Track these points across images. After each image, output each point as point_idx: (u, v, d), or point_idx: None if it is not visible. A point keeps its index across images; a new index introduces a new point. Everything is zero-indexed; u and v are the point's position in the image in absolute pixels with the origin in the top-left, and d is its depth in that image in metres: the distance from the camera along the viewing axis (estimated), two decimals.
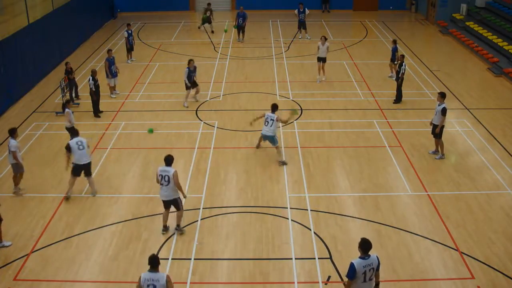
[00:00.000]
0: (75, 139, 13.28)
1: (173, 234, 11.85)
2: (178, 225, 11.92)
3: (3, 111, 18.90)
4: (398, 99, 19.15)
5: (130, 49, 24.33)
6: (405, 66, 18.78)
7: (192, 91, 19.27)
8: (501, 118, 18.07)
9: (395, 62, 21.18)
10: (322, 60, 21.39)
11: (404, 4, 35.69)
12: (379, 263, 8.52)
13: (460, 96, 20.05)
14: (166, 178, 11.35)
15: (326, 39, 21.39)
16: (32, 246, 11.58)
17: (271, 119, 14.67)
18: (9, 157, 13.41)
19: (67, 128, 15.58)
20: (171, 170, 11.34)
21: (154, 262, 8.53)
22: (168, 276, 8.52)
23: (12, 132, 13.43)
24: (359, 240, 8.55)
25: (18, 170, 13.50)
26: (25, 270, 10.85)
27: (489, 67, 23.12)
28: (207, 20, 29.28)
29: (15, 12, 20.85)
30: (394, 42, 21.69)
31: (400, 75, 18.72)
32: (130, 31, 23.98)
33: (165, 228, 11.96)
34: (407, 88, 20.60)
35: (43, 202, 13.28)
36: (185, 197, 11.96)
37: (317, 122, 17.67)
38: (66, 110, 15.57)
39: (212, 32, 29.67)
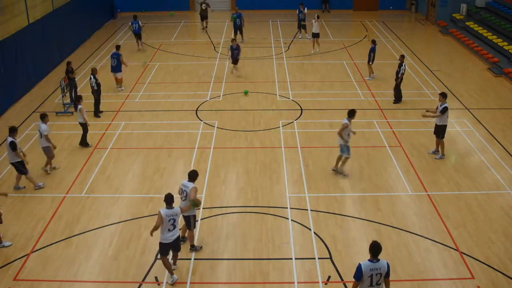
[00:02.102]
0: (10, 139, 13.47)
1: None
2: (192, 246, 11.30)
3: (3, 111, 18.90)
4: (398, 99, 19.15)
5: (138, 37, 26.43)
6: (405, 66, 18.76)
7: (232, 66, 22.55)
8: (501, 118, 18.07)
9: (370, 63, 21.55)
10: (316, 35, 25.38)
11: (404, 4, 35.70)
12: (388, 270, 8.39)
13: (460, 96, 20.05)
14: (185, 194, 10.84)
15: (318, 17, 25.47)
16: (32, 246, 11.58)
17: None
18: (41, 141, 14.38)
19: (80, 124, 15.86)
20: (190, 185, 10.83)
21: (169, 200, 10.02)
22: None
23: (42, 117, 14.36)
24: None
25: (49, 153, 14.42)
26: (25, 270, 10.85)
27: (489, 67, 23.12)
28: (204, 15, 30.07)
29: (15, 12, 20.85)
30: (373, 42, 21.69)
31: (399, 75, 18.71)
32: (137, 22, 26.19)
33: (183, 239, 11.43)
34: (407, 88, 20.60)
35: (43, 202, 13.28)
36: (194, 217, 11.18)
37: (317, 122, 17.67)
38: (79, 107, 15.66)
39: (206, 27, 30.20)
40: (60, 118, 18.23)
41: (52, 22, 23.90)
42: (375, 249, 8.33)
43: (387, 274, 8.41)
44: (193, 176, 10.98)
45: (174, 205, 10.16)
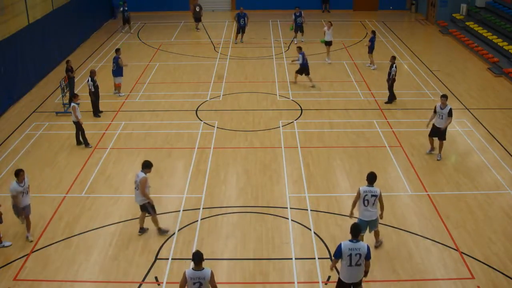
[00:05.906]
0: None
1: (173, 234, 11.86)
2: (159, 229, 11.90)
3: (3, 111, 18.89)
4: (390, 99, 19.12)
5: (126, 21, 29.45)
6: (395, 67, 18.71)
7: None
8: (501, 118, 18.07)
9: (369, 53, 23.01)
10: (328, 43, 24.00)
11: (404, 4, 35.70)
12: (368, 252, 8.81)
13: (460, 96, 20.05)
14: (136, 184, 11.46)
15: (331, 24, 23.98)
16: (32, 246, 11.57)
17: (373, 195, 10.61)
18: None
19: (73, 122, 15.80)
20: (140, 175, 11.33)
21: (197, 259, 8.37)
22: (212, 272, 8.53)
23: (16, 174, 11.43)
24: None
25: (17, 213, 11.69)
26: (25, 270, 10.85)
27: (489, 67, 23.12)
28: (197, 17, 30.76)
29: (15, 12, 20.85)
30: (373, 32, 23.06)
31: (391, 77, 18.69)
32: (126, 8, 29.12)
33: (142, 230, 11.97)
34: (407, 88, 20.62)
35: (43, 202, 13.27)
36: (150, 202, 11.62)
37: (317, 122, 17.67)
38: (72, 104, 15.66)
39: (197, 29, 30.80)
40: (60, 118, 18.22)
41: (52, 22, 23.89)
42: (354, 229, 8.89)
43: (368, 256, 8.84)
44: (145, 165, 11.40)
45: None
